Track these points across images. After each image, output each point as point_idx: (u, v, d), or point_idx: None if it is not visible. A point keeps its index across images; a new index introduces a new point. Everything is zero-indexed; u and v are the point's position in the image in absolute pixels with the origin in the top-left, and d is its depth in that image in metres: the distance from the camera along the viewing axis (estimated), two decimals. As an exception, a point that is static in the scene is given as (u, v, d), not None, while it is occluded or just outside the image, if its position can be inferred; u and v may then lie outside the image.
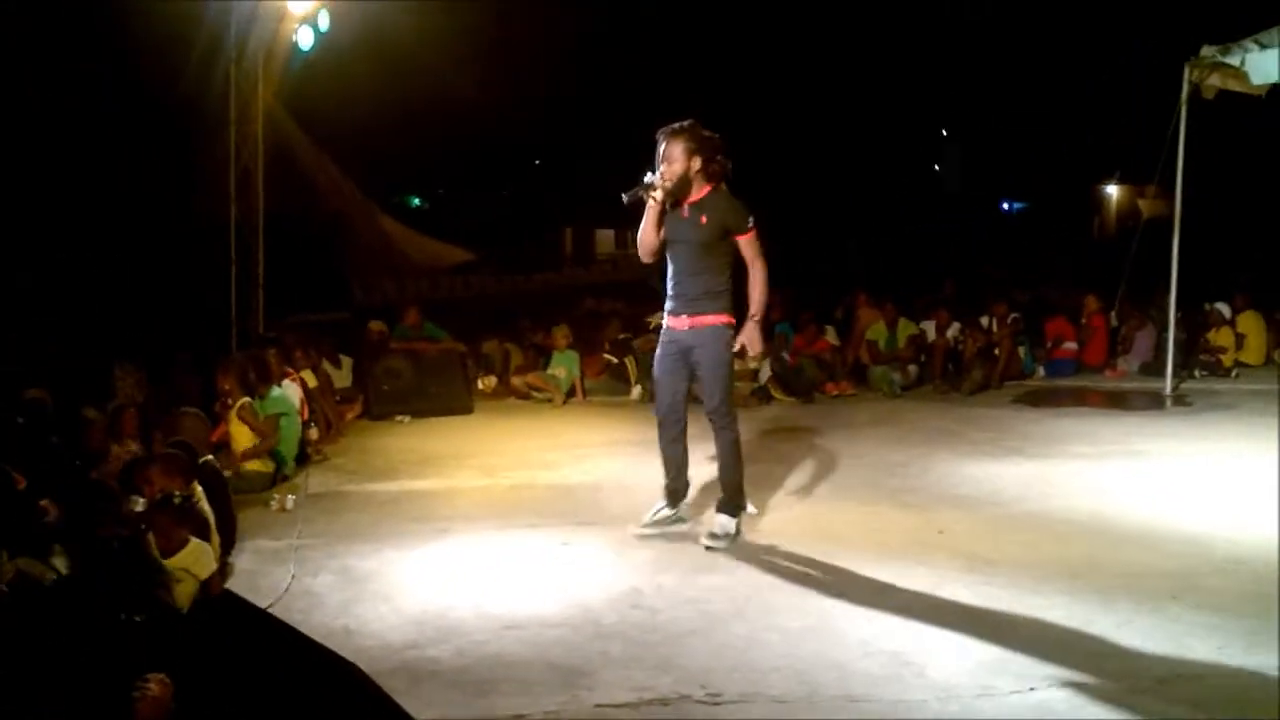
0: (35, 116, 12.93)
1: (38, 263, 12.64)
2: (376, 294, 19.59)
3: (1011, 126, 35.34)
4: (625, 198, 7.40)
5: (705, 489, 8.15)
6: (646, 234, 7.44)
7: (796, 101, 33.24)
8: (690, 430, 7.78)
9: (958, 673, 5.17)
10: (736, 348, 7.39)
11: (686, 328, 7.45)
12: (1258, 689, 4.96)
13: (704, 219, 7.30)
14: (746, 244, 7.35)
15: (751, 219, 7.32)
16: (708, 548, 7.28)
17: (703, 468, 8.15)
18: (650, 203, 7.33)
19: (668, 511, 7.71)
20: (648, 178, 7.29)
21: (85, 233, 13.46)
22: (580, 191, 34.22)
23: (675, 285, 7.49)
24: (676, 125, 7.31)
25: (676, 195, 7.34)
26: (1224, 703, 4.84)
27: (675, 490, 7.74)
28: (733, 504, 7.52)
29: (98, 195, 13.69)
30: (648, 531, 7.63)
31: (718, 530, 7.39)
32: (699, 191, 7.33)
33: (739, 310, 7.46)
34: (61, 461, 7.61)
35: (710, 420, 7.53)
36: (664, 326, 7.65)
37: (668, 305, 7.57)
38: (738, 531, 7.46)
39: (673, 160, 7.25)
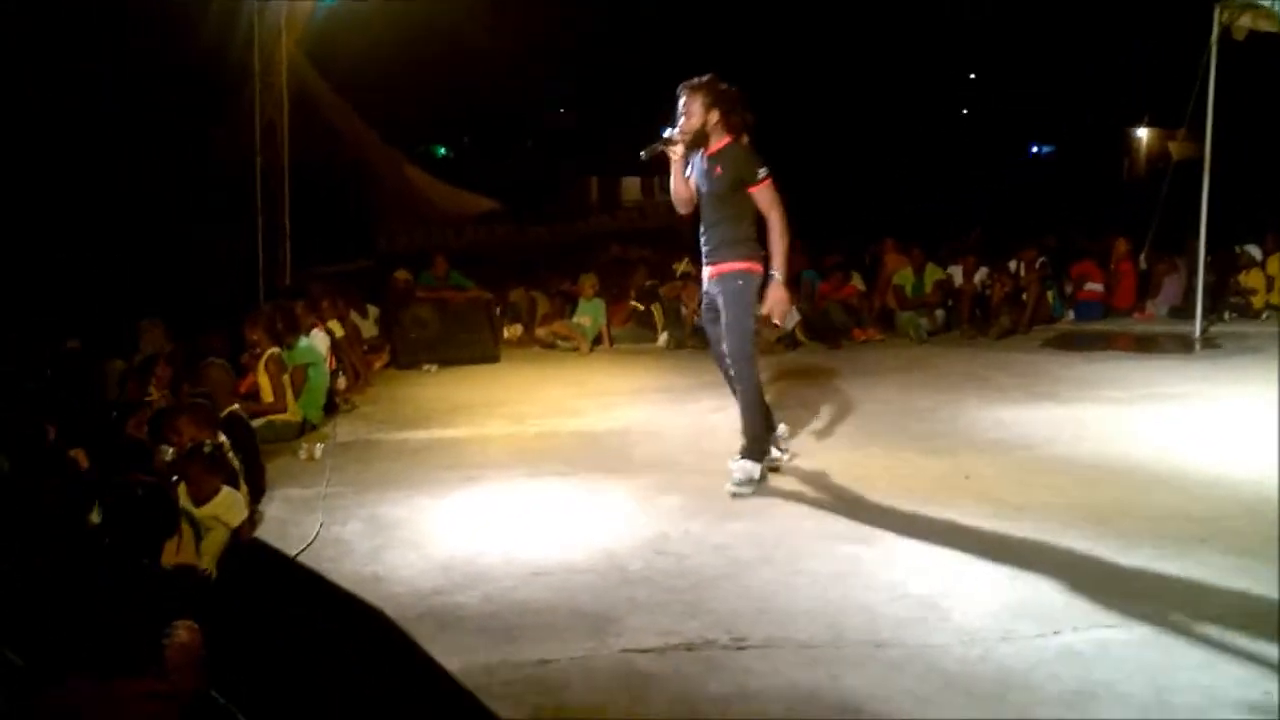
0: (61, 76, 12.93)
1: (65, 220, 12.67)
2: (401, 242, 19.60)
3: (1040, 69, 34.98)
4: (644, 154, 7.53)
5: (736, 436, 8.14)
6: (676, 187, 7.60)
7: (826, 44, 32.98)
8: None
9: (982, 616, 5.18)
10: (763, 311, 7.43)
11: (711, 277, 7.55)
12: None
13: (719, 170, 7.38)
14: (760, 195, 7.38)
15: (764, 170, 7.34)
16: (732, 494, 7.30)
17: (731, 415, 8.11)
18: (672, 157, 7.46)
19: (776, 453, 7.89)
20: (666, 132, 7.43)
21: (112, 189, 13.48)
22: (606, 139, 34.12)
23: (702, 237, 7.62)
24: (695, 80, 7.42)
25: (696, 147, 7.46)
26: (1249, 645, 4.83)
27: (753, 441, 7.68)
28: (754, 450, 7.51)
29: (122, 150, 13.69)
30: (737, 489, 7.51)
31: (740, 476, 7.41)
32: (718, 143, 7.42)
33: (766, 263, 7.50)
34: (94, 413, 7.68)
35: (728, 367, 7.56)
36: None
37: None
38: (762, 476, 7.50)
39: (691, 114, 7.37)
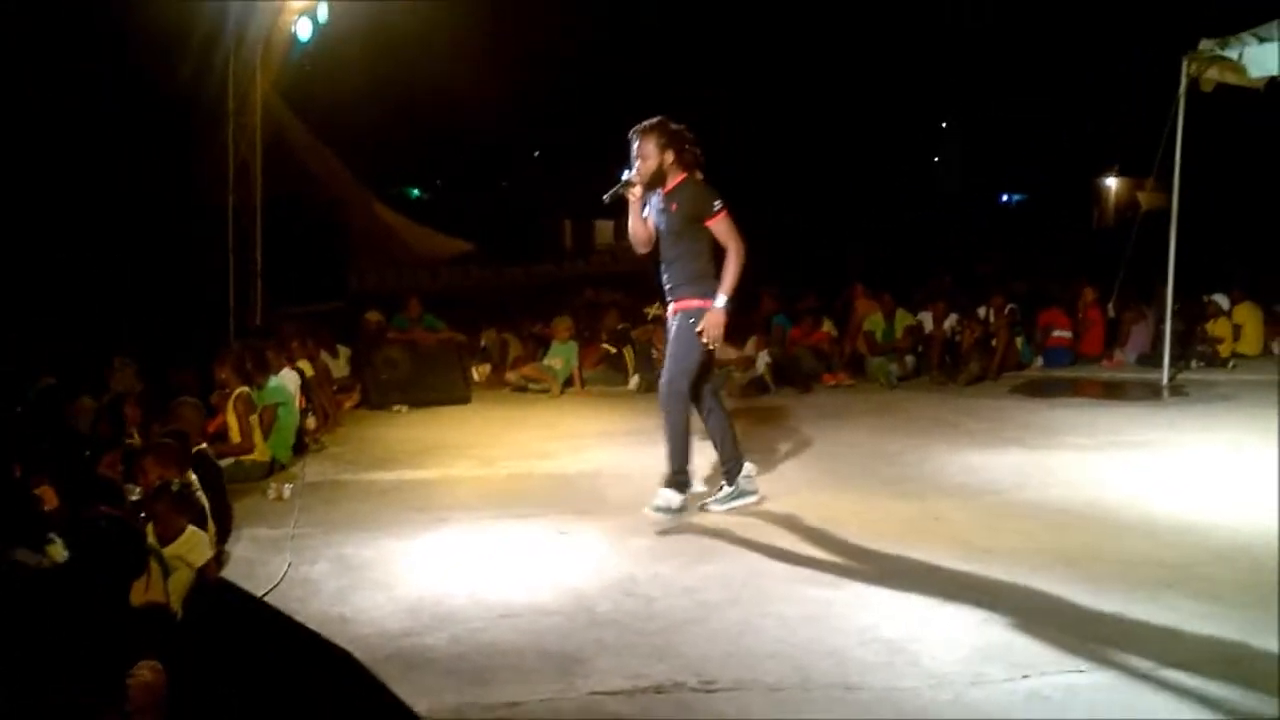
0: (33, 112, 12.91)
1: (36, 258, 12.62)
2: (373, 282, 19.59)
3: (1011, 118, 35.33)
4: (606, 198, 7.78)
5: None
6: (634, 227, 7.86)
7: (796, 93, 33.22)
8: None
9: (951, 661, 5.18)
10: (698, 329, 7.56)
11: (673, 314, 7.78)
12: (1256, 678, 4.96)
13: (675, 206, 7.62)
14: (717, 227, 7.57)
15: (718, 203, 7.54)
16: (650, 518, 7.56)
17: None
18: (630, 199, 7.73)
19: (727, 488, 8.03)
20: (624, 175, 7.67)
21: (83, 227, 13.45)
22: (579, 183, 34.23)
23: (663, 275, 7.86)
24: (646, 123, 7.65)
25: (654, 187, 7.73)
26: (1219, 690, 4.84)
27: (726, 467, 8.05)
28: (676, 480, 7.68)
29: (95, 189, 13.66)
30: (718, 509, 7.94)
31: (660, 502, 7.62)
32: (673, 181, 7.66)
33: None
34: (65, 450, 7.61)
35: (661, 399, 7.73)
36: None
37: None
38: (681, 507, 7.66)
39: (646, 156, 7.59)
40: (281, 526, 7.85)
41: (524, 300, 17.97)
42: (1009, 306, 15.23)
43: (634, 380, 14.29)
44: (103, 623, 3.83)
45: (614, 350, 14.74)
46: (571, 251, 35.97)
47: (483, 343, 15.52)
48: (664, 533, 7.45)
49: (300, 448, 10.36)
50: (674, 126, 7.65)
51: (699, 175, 7.68)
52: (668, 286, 7.79)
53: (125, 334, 11.59)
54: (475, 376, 14.54)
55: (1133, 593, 6.06)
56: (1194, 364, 14.98)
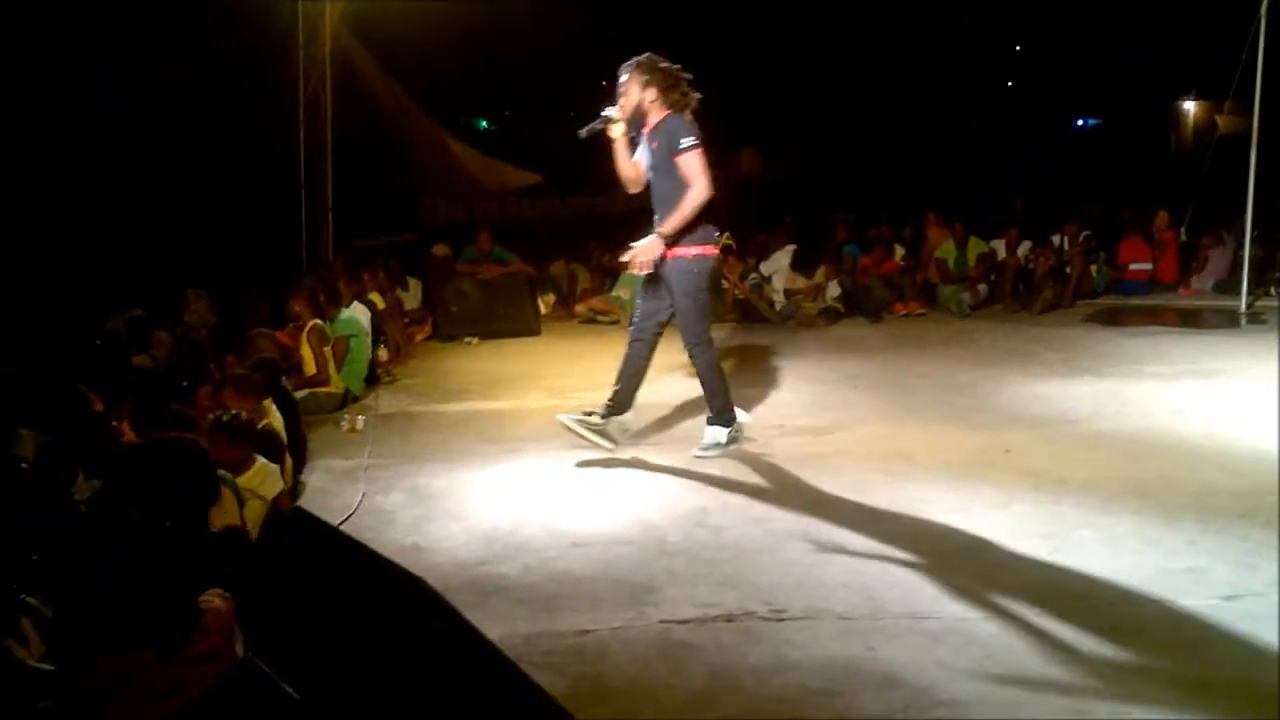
0: (101, 47, 13.00)
1: (110, 191, 12.77)
2: (443, 216, 19.61)
3: (1086, 42, 34.61)
4: (583, 133, 7.56)
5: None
6: (620, 167, 7.66)
7: (870, 19, 32.75)
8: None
9: (1023, 589, 5.16)
10: (627, 256, 7.53)
11: (664, 258, 7.50)
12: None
13: (655, 144, 7.48)
14: (683, 162, 7.34)
15: (689, 139, 7.32)
16: (696, 457, 7.60)
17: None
18: (612, 135, 7.53)
19: (598, 419, 7.80)
20: (606, 111, 7.49)
21: (156, 161, 13.57)
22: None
23: (655, 216, 7.62)
24: (633, 60, 7.52)
25: (637, 125, 7.56)
26: (1292, 620, 4.81)
27: (615, 400, 7.83)
28: (721, 418, 7.71)
29: (167, 123, 13.77)
30: (568, 420, 7.84)
31: (707, 441, 7.70)
32: (654, 118, 7.48)
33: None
34: (145, 383, 7.72)
35: (686, 349, 7.72)
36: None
37: None
38: (729, 440, 7.69)
39: (628, 93, 7.47)
40: (355, 457, 7.95)
41: (591, 231, 17.93)
42: (1084, 234, 15.02)
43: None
44: (177, 546, 3.89)
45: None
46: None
47: (551, 272, 15.56)
48: (734, 463, 7.47)
49: (373, 379, 10.46)
50: (661, 65, 7.48)
51: (686, 115, 7.46)
52: (656, 227, 7.57)
53: (198, 267, 11.73)
54: (543, 308, 14.59)
55: (1207, 523, 6.01)
56: (1273, 291, 14.71)
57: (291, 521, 5.34)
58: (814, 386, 9.96)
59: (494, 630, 4.83)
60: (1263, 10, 12.11)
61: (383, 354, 11.01)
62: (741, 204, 22.65)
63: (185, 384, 7.53)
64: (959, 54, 35.15)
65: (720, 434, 7.66)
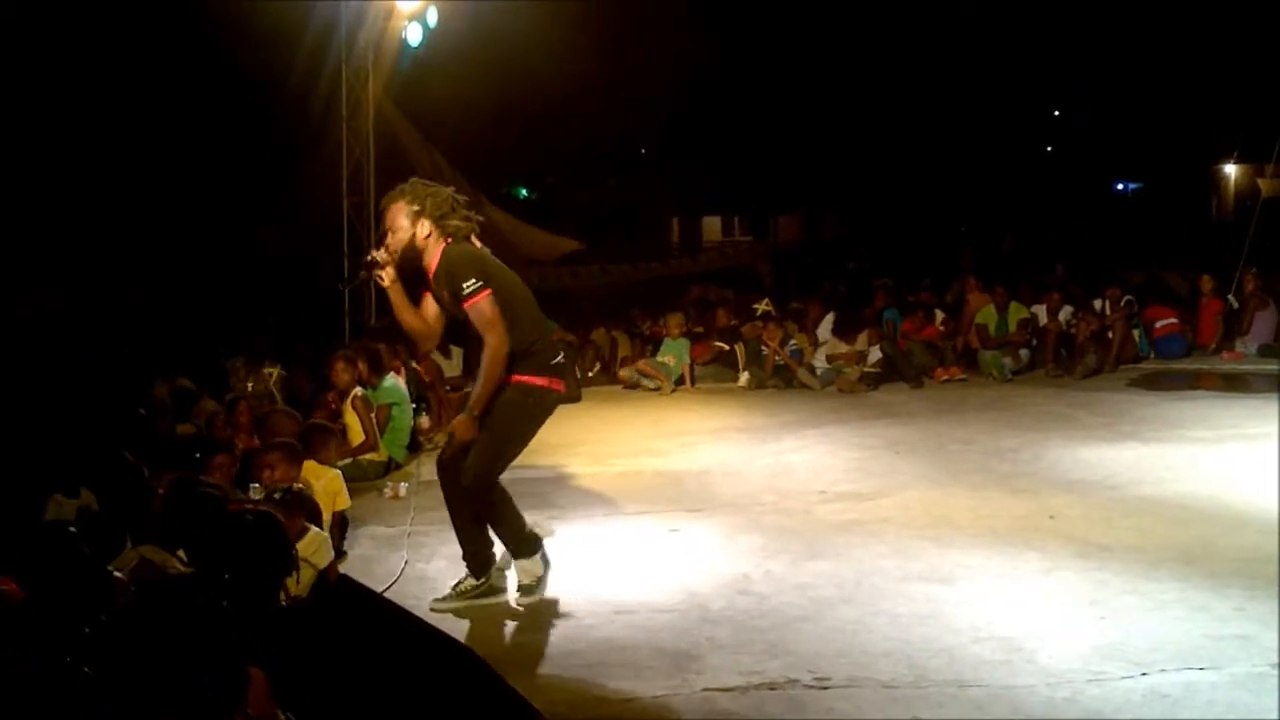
0: (148, 122, 13.27)
1: (159, 263, 12.98)
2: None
3: (1126, 105, 34.67)
4: (342, 287, 6.53)
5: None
6: (405, 321, 6.33)
7: (907, 88, 32.94)
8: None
9: (1068, 658, 5.13)
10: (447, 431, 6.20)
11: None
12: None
13: (445, 293, 6.16)
14: (472, 313, 6.03)
15: (474, 282, 6.00)
16: (519, 604, 6.22)
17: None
18: (383, 283, 6.18)
19: (473, 581, 6.35)
20: (371, 254, 6.31)
21: (202, 232, 13.80)
22: (686, 180, 34.25)
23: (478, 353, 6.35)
24: (397, 188, 6.28)
25: (416, 265, 6.22)
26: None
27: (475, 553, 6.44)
28: (521, 547, 6.32)
29: (213, 195, 14.02)
30: (445, 607, 6.23)
31: (525, 580, 6.29)
32: (435, 256, 6.18)
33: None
34: (181, 452, 7.81)
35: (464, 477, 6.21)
36: None
37: None
38: (545, 565, 6.34)
39: (396, 228, 6.17)
40: (398, 524, 7.98)
41: (632, 298, 18.04)
42: (1125, 298, 14.97)
43: (744, 377, 14.30)
44: (242, 621, 3.94)
45: (726, 347, 14.75)
46: (679, 248, 36.03)
47: (592, 338, 15.62)
48: (776, 531, 7.45)
49: (415, 446, 10.52)
50: (429, 188, 6.25)
51: (475, 244, 6.28)
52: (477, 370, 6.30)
53: (243, 337, 11.87)
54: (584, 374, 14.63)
55: (1254, 589, 5.95)
56: (1319, 355, 14.59)
57: (338, 589, 5.38)
58: (856, 452, 9.94)
59: (538, 698, 4.85)
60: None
61: (425, 421, 11.07)
62: (781, 270, 22.77)
63: (198, 455, 7.61)
64: (998, 120, 35.25)
65: (533, 565, 6.28)
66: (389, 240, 6.17)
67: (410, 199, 6.15)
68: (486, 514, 6.28)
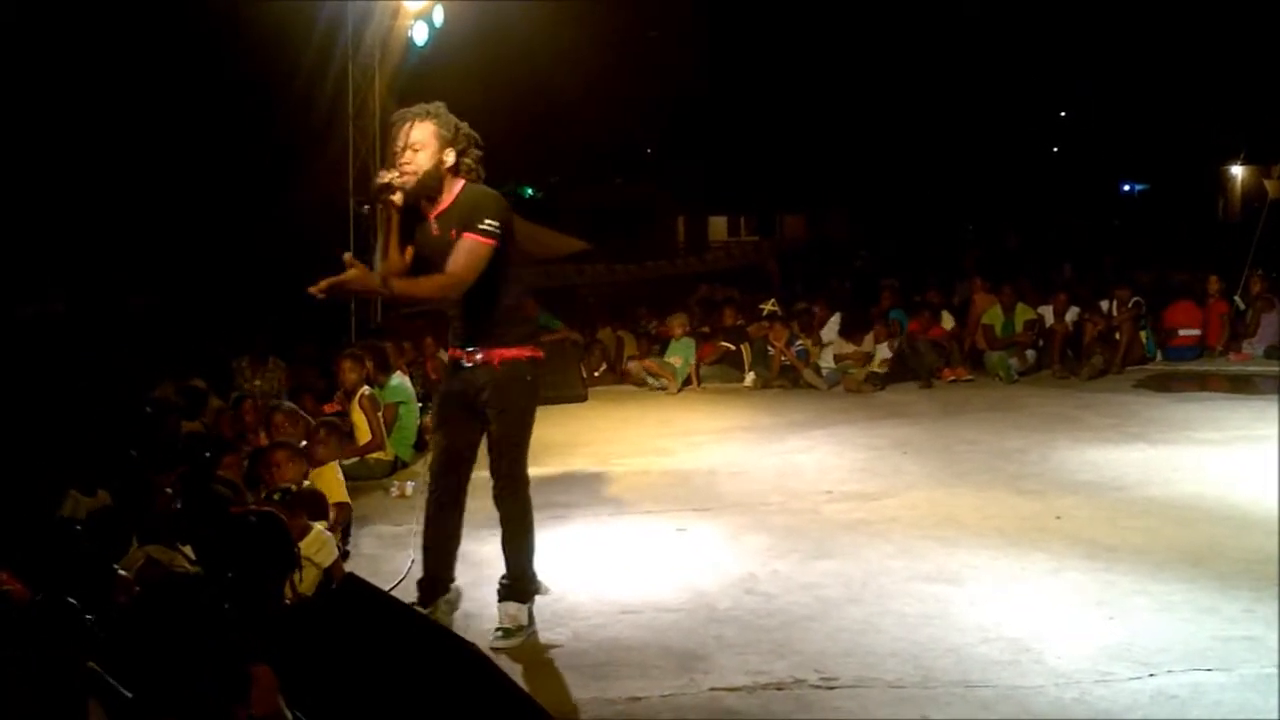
0: (153, 121, 13.28)
1: (165, 263, 13.00)
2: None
3: (1133, 106, 34.64)
4: (364, 209, 5.89)
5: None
6: (389, 255, 5.64)
7: (913, 88, 32.93)
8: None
9: (1076, 659, 5.12)
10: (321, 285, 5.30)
11: (482, 363, 5.67)
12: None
13: (449, 231, 5.51)
14: (464, 244, 5.43)
15: (495, 225, 5.46)
16: (495, 649, 5.48)
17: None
18: (390, 204, 5.57)
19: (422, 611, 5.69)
20: (383, 176, 5.58)
21: (207, 231, 13.81)
22: (691, 179, 34.23)
23: (451, 313, 5.89)
24: (420, 106, 5.66)
25: (423, 196, 5.59)
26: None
27: (434, 579, 5.95)
28: (520, 590, 5.82)
29: (218, 194, 14.03)
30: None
31: (508, 624, 5.71)
32: (450, 193, 5.62)
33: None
34: (189, 451, 7.81)
35: (495, 483, 5.91)
36: (448, 365, 6.03)
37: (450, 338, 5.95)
38: (530, 620, 5.81)
39: (422, 147, 5.53)
40: (404, 523, 7.95)
41: (639, 297, 18.03)
42: (1133, 299, 14.94)
43: (749, 377, 14.29)
44: (246, 621, 3.94)
45: (733, 347, 14.74)
46: (684, 247, 36.01)
47: (598, 337, 15.62)
48: (782, 531, 7.44)
49: (421, 446, 10.51)
50: (457, 121, 5.65)
51: (478, 186, 5.65)
52: (464, 329, 5.74)
53: (248, 335, 11.87)
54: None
55: (1261, 591, 5.94)
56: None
57: (343, 587, 5.37)
58: (863, 452, 9.93)
59: (544, 698, 4.83)
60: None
61: (430, 420, 11.06)
62: (788, 269, 22.76)
63: (208, 454, 7.61)
64: (1004, 120, 35.23)
65: (520, 612, 5.76)
66: (406, 160, 5.51)
67: (441, 123, 5.54)
68: (517, 521, 5.87)
